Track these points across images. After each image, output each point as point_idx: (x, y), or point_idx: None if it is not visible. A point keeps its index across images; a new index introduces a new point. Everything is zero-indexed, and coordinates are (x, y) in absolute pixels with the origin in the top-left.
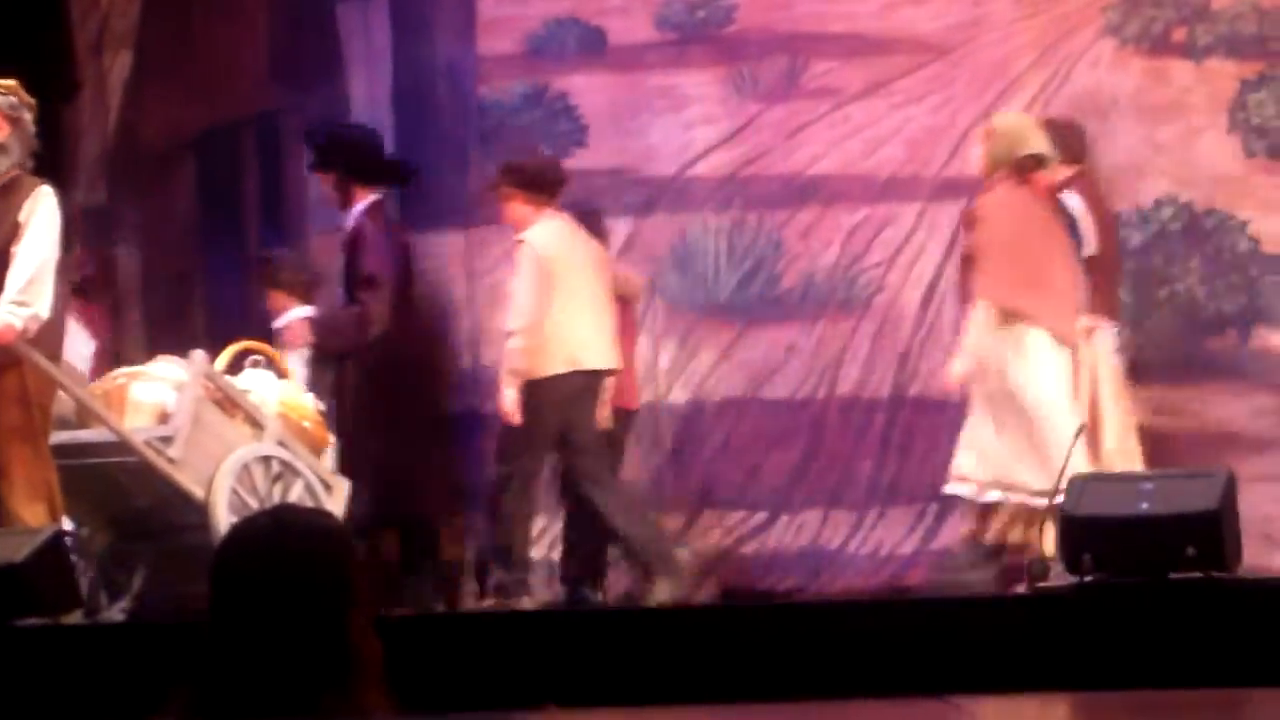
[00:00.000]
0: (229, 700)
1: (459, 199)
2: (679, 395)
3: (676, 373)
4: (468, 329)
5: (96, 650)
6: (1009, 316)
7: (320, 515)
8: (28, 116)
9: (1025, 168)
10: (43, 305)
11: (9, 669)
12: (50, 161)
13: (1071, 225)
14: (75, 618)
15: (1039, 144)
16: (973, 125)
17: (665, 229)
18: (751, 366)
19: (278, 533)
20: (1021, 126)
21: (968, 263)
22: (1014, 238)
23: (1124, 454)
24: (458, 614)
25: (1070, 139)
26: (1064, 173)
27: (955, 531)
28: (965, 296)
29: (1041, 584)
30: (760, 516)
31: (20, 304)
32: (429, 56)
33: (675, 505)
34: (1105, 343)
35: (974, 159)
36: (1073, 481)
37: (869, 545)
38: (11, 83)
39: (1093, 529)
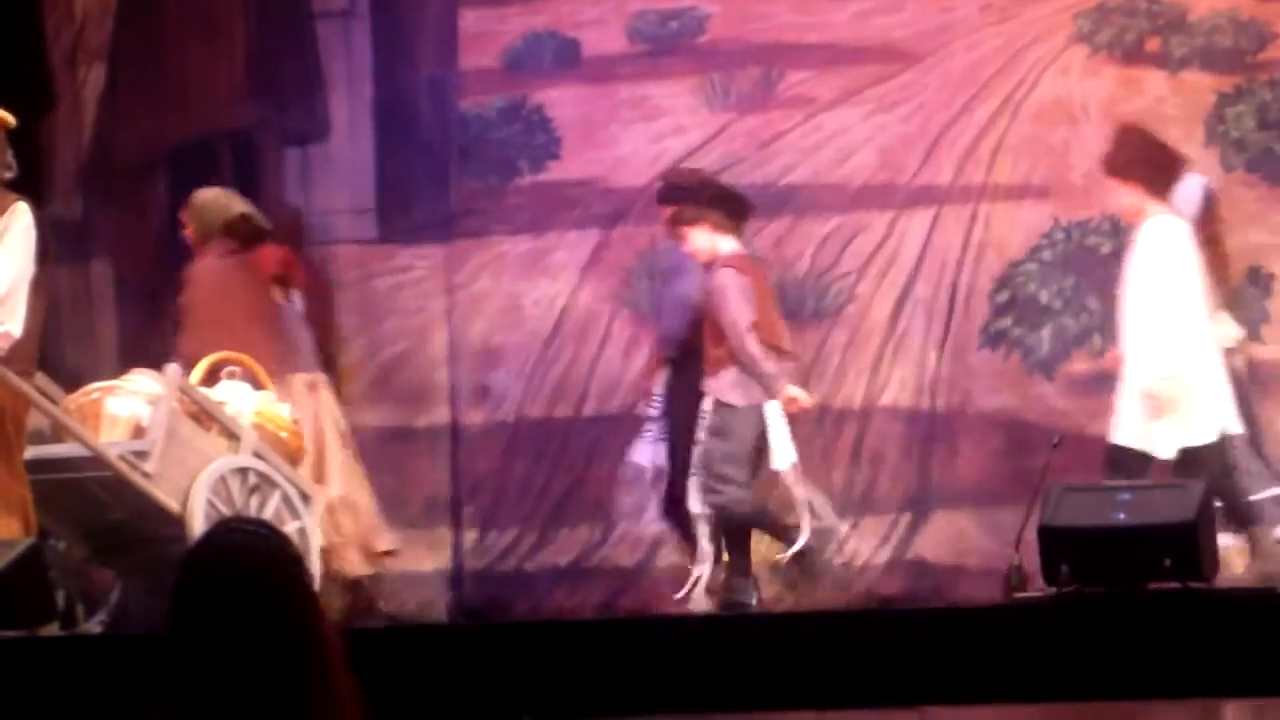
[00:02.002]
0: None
1: (439, 212)
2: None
3: None
4: (446, 342)
5: (74, 663)
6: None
7: (263, 525)
8: None
9: (238, 229)
10: (15, 323)
11: None
12: (25, 175)
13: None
14: (52, 630)
15: (243, 206)
16: (944, 132)
17: (635, 239)
18: None
19: (230, 548)
20: (221, 195)
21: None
22: (211, 302)
23: (348, 502)
24: (432, 625)
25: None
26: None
27: (930, 541)
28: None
29: (1019, 594)
30: None
31: None
32: (410, 71)
33: None
34: (327, 395)
35: (188, 237)
36: (1050, 492)
37: (843, 555)
38: None
39: (1069, 539)
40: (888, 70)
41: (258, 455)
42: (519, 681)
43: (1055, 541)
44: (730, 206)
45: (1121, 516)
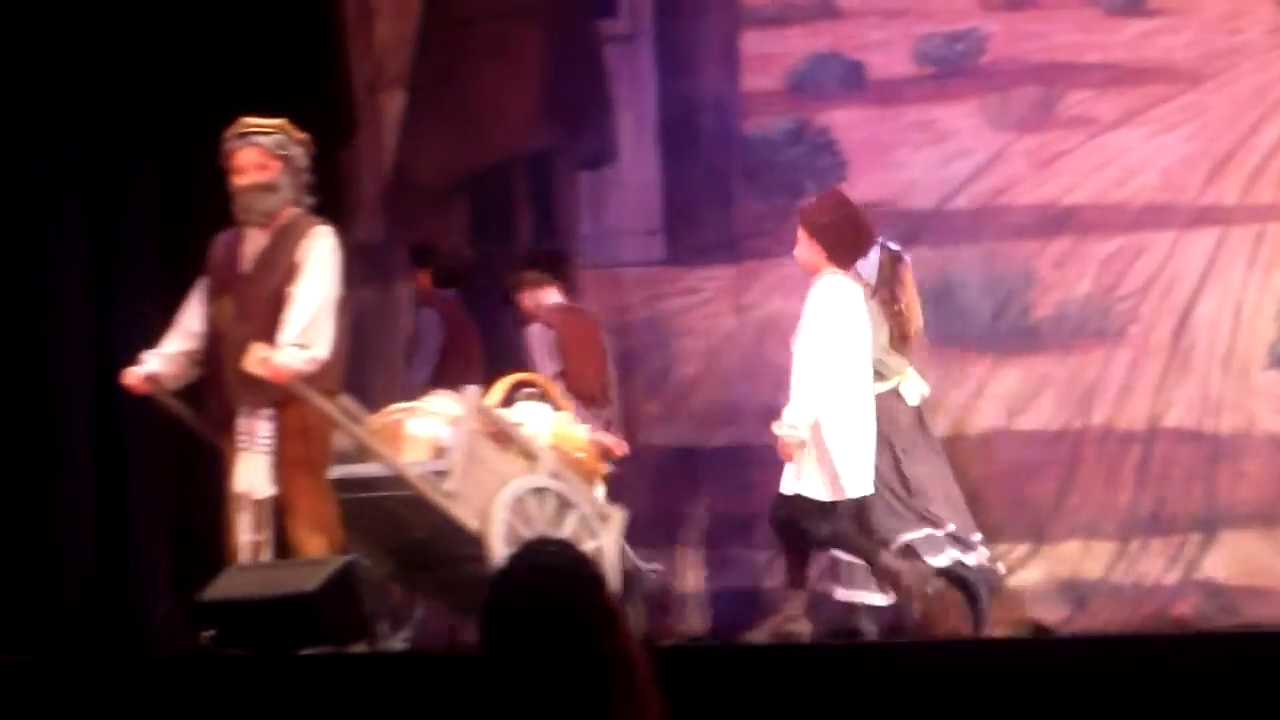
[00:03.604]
0: None
1: (726, 233)
2: (939, 428)
3: (935, 405)
4: (737, 362)
5: (379, 679)
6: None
7: (567, 545)
8: (298, 152)
9: None
10: (322, 346)
11: (295, 698)
12: (331, 199)
13: None
14: (360, 647)
15: None
16: (1231, 153)
17: (927, 262)
18: (1007, 398)
19: (538, 569)
20: None
21: None
22: None
23: None
24: (735, 645)
25: None
26: None
27: (1219, 562)
28: None
29: None
30: (1023, 548)
31: (301, 346)
32: (693, 93)
33: None
34: None
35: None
36: None
37: (1132, 576)
38: (278, 121)
39: None
40: (1170, 91)
41: (555, 475)
42: (828, 702)
43: None
44: (544, 264)
45: None
